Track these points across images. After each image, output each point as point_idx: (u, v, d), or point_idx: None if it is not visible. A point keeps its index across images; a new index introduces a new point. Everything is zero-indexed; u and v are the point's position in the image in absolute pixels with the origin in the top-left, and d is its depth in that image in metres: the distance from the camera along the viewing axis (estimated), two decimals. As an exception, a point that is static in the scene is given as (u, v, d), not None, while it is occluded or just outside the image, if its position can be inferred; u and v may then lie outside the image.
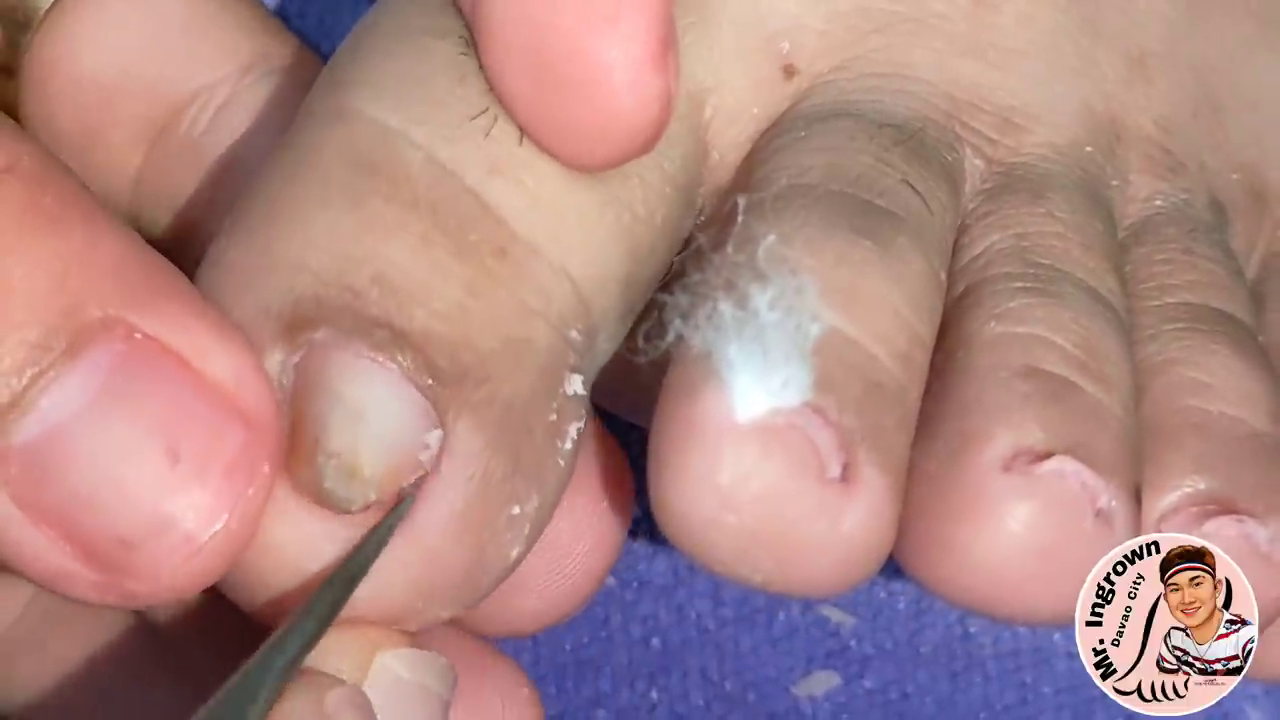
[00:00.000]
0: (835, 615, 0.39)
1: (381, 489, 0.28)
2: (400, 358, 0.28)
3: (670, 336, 0.28)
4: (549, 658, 0.39)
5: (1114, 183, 0.34)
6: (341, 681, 0.28)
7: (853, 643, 0.39)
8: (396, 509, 0.28)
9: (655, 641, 0.39)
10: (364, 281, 0.28)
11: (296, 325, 0.28)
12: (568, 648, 0.39)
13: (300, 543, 0.28)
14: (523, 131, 0.29)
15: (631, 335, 0.30)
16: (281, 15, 0.36)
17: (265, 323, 0.28)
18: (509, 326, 0.29)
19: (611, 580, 0.39)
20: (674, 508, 0.28)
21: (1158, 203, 0.34)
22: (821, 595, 0.29)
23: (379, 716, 0.28)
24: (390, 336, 0.28)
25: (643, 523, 0.39)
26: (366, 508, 0.28)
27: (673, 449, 0.28)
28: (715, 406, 0.27)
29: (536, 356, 0.29)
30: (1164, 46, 0.35)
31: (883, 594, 0.40)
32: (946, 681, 0.39)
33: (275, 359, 0.28)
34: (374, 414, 0.28)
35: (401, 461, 0.28)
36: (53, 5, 0.33)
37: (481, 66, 0.29)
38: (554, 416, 0.29)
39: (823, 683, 0.39)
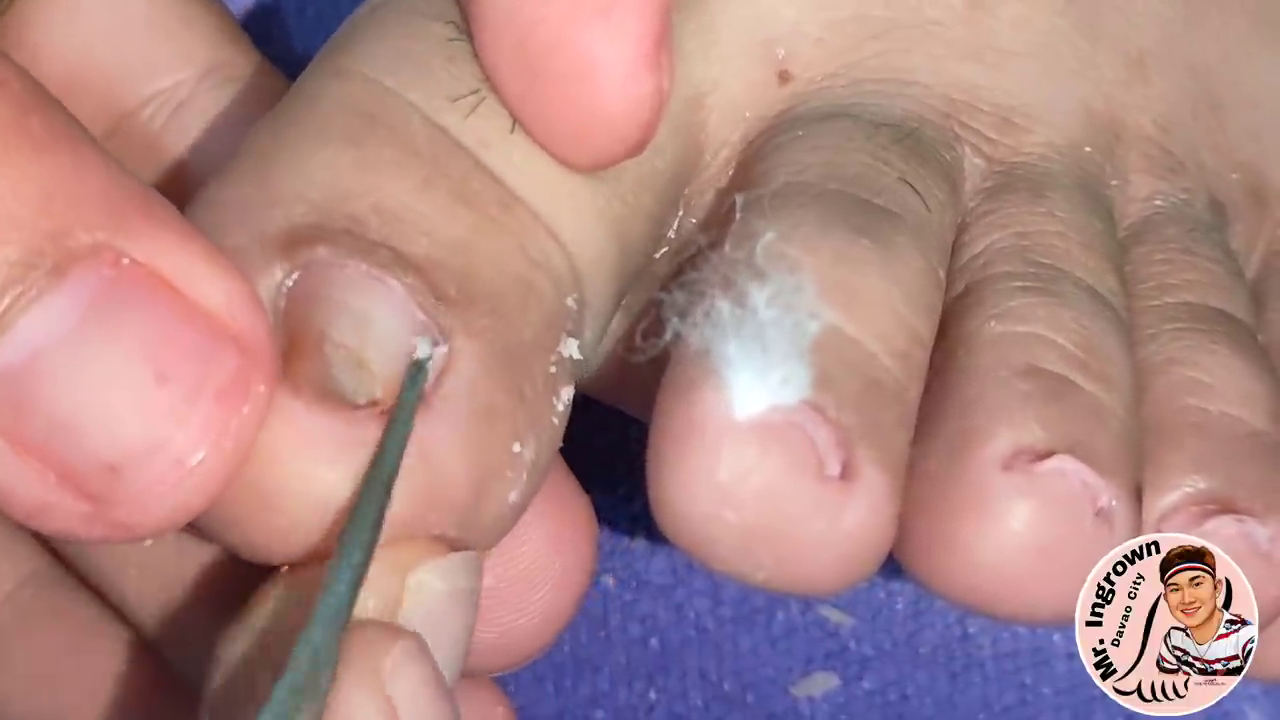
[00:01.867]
0: (834, 615, 0.39)
1: (387, 386, 0.27)
2: (404, 276, 0.27)
3: (668, 334, 0.28)
4: (547, 657, 0.39)
5: (1113, 183, 0.34)
6: (390, 639, 0.27)
7: (852, 643, 0.39)
8: (390, 445, 0.27)
9: (654, 641, 0.39)
10: (364, 209, 0.28)
11: (294, 245, 0.27)
12: (566, 647, 0.39)
13: (306, 446, 0.27)
14: (517, 121, 0.29)
15: (630, 333, 0.30)
16: (280, 12, 0.36)
17: (260, 248, 0.28)
18: (516, 267, 0.28)
19: (610, 580, 0.39)
20: (673, 505, 0.28)
21: (1157, 202, 0.34)
22: (822, 593, 0.29)
23: (424, 635, 0.27)
24: (393, 256, 0.27)
25: (642, 522, 0.39)
26: (373, 404, 0.27)
27: (672, 447, 0.28)
28: (714, 404, 0.27)
29: (541, 303, 0.29)
30: (1162, 46, 0.35)
31: (881, 594, 0.39)
32: (945, 682, 0.39)
33: (272, 279, 0.27)
34: (379, 320, 0.27)
35: (404, 371, 0.27)
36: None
37: (474, 51, 0.29)
38: (553, 369, 0.29)
39: (821, 683, 0.39)
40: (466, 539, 0.28)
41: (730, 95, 0.33)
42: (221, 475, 0.26)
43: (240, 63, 0.34)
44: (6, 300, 0.25)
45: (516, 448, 0.28)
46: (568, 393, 0.29)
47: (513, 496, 0.28)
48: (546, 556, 0.32)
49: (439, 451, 0.27)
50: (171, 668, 0.34)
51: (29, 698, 0.34)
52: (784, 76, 0.33)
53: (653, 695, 0.39)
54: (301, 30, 0.36)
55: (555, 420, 0.29)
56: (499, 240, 0.28)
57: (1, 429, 0.26)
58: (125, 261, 0.26)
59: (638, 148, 0.29)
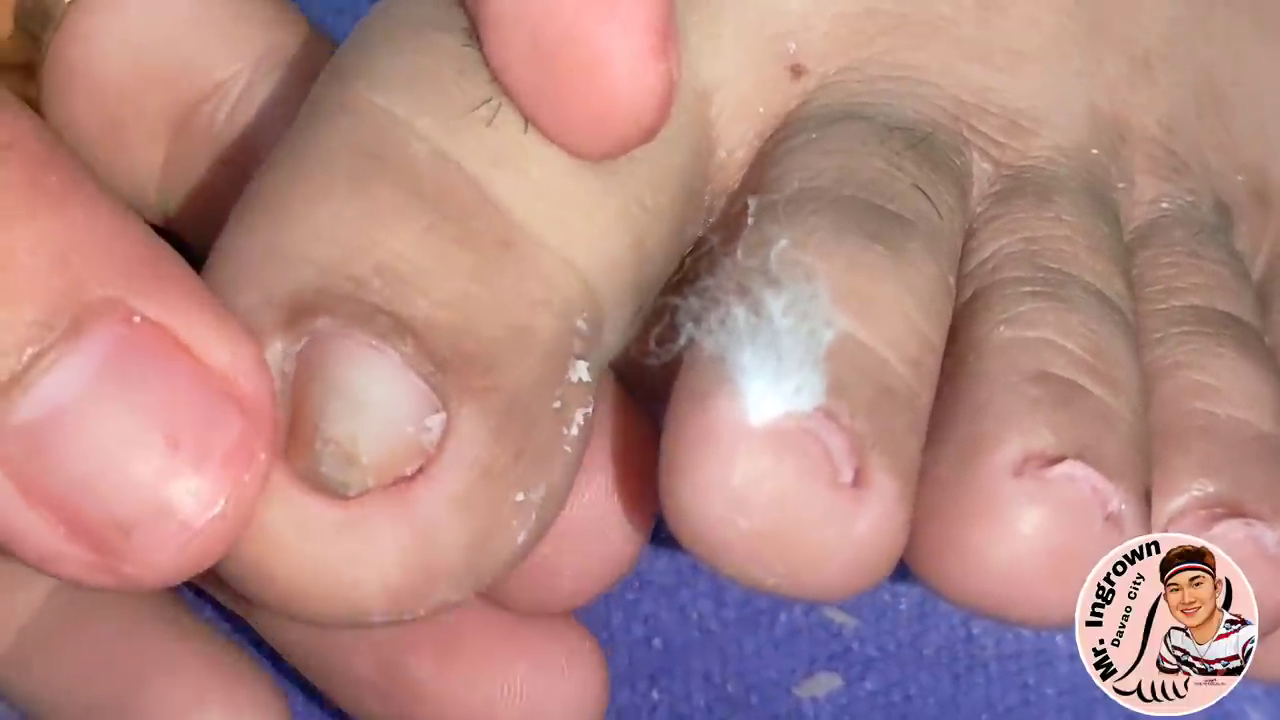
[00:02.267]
0: (838, 617, 0.39)
1: (380, 475, 0.28)
2: (402, 345, 0.28)
3: (682, 340, 0.28)
4: (551, 658, 0.39)
5: (1119, 185, 0.34)
6: None
7: (855, 644, 0.39)
8: None
9: (657, 642, 0.39)
10: (366, 271, 0.28)
11: (298, 314, 0.28)
12: (570, 648, 0.39)
13: (290, 522, 0.28)
14: (527, 120, 0.29)
15: (644, 338, 0.30)
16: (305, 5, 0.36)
17: (268, 312, 0.28)
18: (512, 315, 0.29)
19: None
20: (686, 511, 0.28)
21: (1163, 205, 0.35)
22: (833, 599, 0.29)
23: None
24: (392, 324, 0.28)
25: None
26: (365, 493, 0.28)
27: (686, 453, 0.28)
28: (729, 411, 0.27)
29: (540, 345, 0.29)
30: (1167, 47, 0.35)
31: (886, 596, 0.39)
32: (949, 683, 0.39)
33: (277, 348, 0.28)
34: (374, 401, 0.28)
35: (401, 448, 0.28)
36: (69, 6, 0.33)
37: (484, 56, 0.29)
38: (558, 404, 0.29)
39: (824, 684, 0.39)
40: (468, 595, 0.29)
41: (741, 91, 0.33)
42: (226, 539, 0.27)
43: (293, 41, 0.34)
44: (26, 358, 0.26)
45: (520, 497, 0.29)
46: (582, 414, 0.29)
47: (521, 538, 0.29)
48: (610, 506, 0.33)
49: (438, 525, 0.28)
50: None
51: (90, 685, 0.35)
52: (796, 70, 0.33)
53: (656, 696, 0.39)
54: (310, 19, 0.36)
55: (568, 448, 0.29)
56: (497, 284, 0.29)
57: (16, 481, 0.27)
58: (137, 319, 0.27)
59: (651, 132, 0.29)
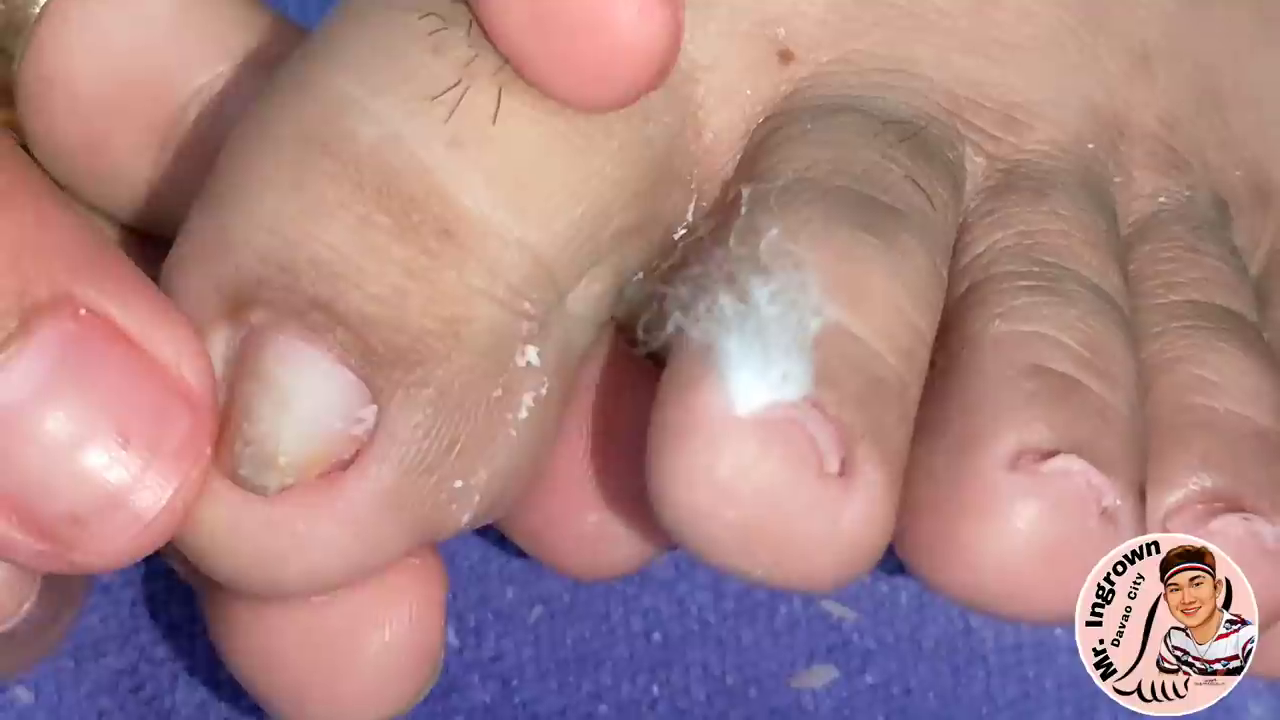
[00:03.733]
0: (836, 610, 0.39)
1: (302, 473, 0.28)
2: (334, 339, 0.28)
3: (670, 328, 0.28)
4: (550, 653, 0.39)
5: (1117, 179, 0.34)
6: None
7: (854, 637, 0.39)
8: None
9: (656, 635, 0.39)
10: (302, 263, 0.29)
11: (238, 306, 0.29)
12: (569, 642, 0.39)
13: (223, 519, 0.29)
14: (531, 82, 0.29)
15: (631, 326, 0.30)
16: (280, 4, 0.36)
17: (213, 298, 0.29)
18: (448, 307, 0.29)
19: (611, 575, 0.39)
20: (672, 501, 0.28)
21: (1161, 200, 0.34)
22: (820, 589, 0.29)
23: None
24: (325, 319, 0.28)
25: (643, 516, 0.39)
26: (286, 490, 0.29)
27: (671, 442, 0.28)
28: (715, 400, 0.27)
29: (477, 336, 0.29)
30: (1167, 41, 0.35)
31: (884, 588, 0.39)
32: (948, 676, 0.39)
33: (220, 338, 0.29)
34: (300, 398, 0.28)
35: (327, 444, 0.29)
36: (38, 21, 0.32)
37: (477, 21, 0.29)
38: (499, 392, 0.30)
39: (823, 677, 0.39)
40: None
41: (728, 74, 0.32)
42: (172, 528, 0.28)
43: (270, 40, 0.34)
44: None
45: (459, 484, 0.29)
46: (529, 398, 0.30)
47: (465, 518, 0.30)
48: None
49: (367, 519, 0.29)
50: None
51: None
52: (785, 56, 0.33)
53: (655, 689, 0.39)
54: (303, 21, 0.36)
55: (513, 432, 0.30)
56: (433, 277, 0.29)
57: None
58: (83, 313, 0.28)
59: (658, 78, 0.29)
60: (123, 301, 0.28)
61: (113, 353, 0.28)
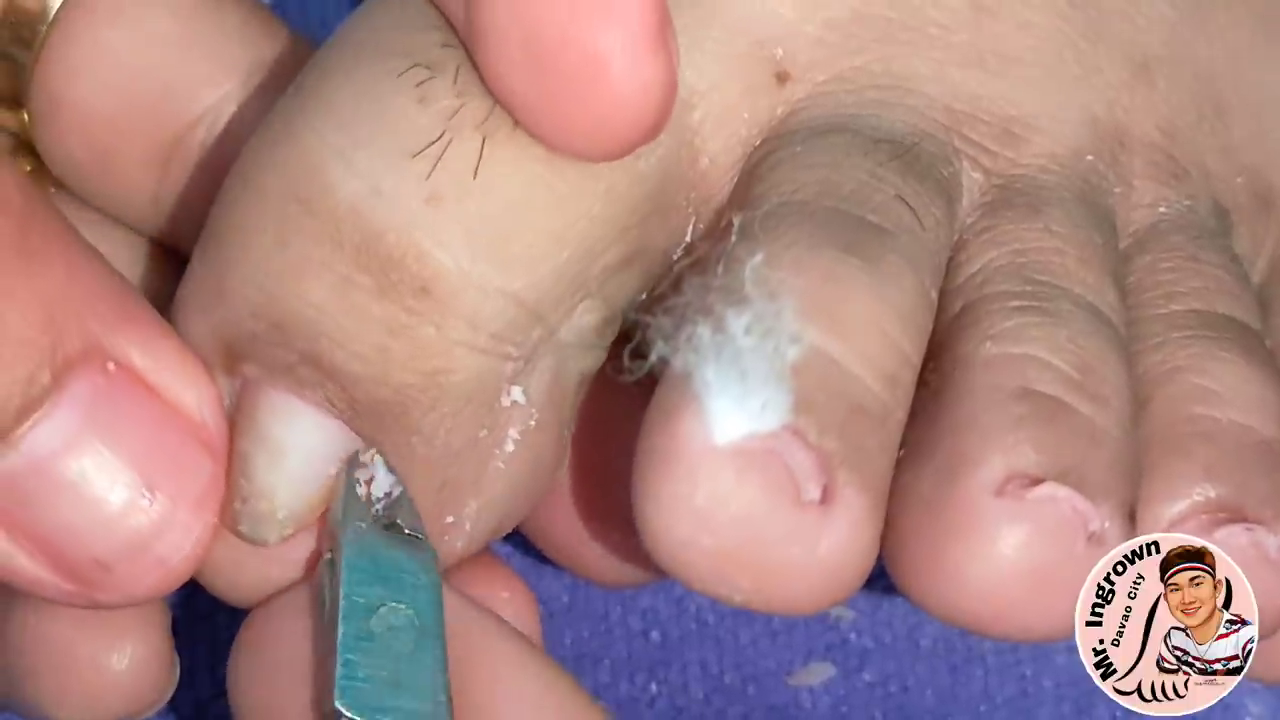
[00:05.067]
0: (835, 609, 0.39)
1: (300, 521, 0.30)
2: (322, 392, 0.29)
3: (653, 358, 0.29)
4: (549, 651, 0.39)
5: (1117, 190, 0.34)
6: None
7: (852, 636, 0.39)
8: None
9: (655, 634, 0.39)
10: (289, 320, 0.29)
11: (233, 358, 0.30)
12: (568, 641, 0.39)
13: (232, 563, 0.30)
14: (527, 130, 0.29)
15: (617, 356, 0.30)
16: (282, 11, 0.35)
17: (212, 344, 0.30)
18: (429, 361, 0.30)
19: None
20: (654, 528, 0.28)
21: (1162, 209, 0.34)
22: (801, 614, 0.30)
23: None
24: (314, 374, 0.29)
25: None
26: (287, 538, 0.30)
27: (652, 471, 0.28)
28: (693, 430, 0.28)
29: (460, 386, 0.30)
30: (1167, 50, 0.34)
31: (882, 587, 0.39)
32: (946, 675, 0.39)
33: (220, 384, 0.30)
34: (294, 452, 0.30)
35: (320, 495, 0.30)
36: (45, 37, 0.32)
37: (475, 66, 0.29)
38: (484, 433, 0.30)
39: (821, 674, 0.39)
40: None
41: (725, 97, 0.32)
42: (192, 571, 0.30)
43: (277, 55, 0.34)
44: (13, 413, 0.28)
45: (450, 519, 0.31)
46: (515, 432, 0.31)
47: (459, 545, 0.31)
48: None
49: None
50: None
51: None
52: (782, 77, 0.32)
53: (654, 688, 0.39)
54: (304, 30, 0.36)
55: (502, 464, 0.31)
56: (413, 334, 0.29)
57: (4, 521, 0.29)
58: (112, 367, 0.29)
59: (654, 130, 0.29)
60: (147, 350, 0.29)
61: (139, 404, 0.29)
